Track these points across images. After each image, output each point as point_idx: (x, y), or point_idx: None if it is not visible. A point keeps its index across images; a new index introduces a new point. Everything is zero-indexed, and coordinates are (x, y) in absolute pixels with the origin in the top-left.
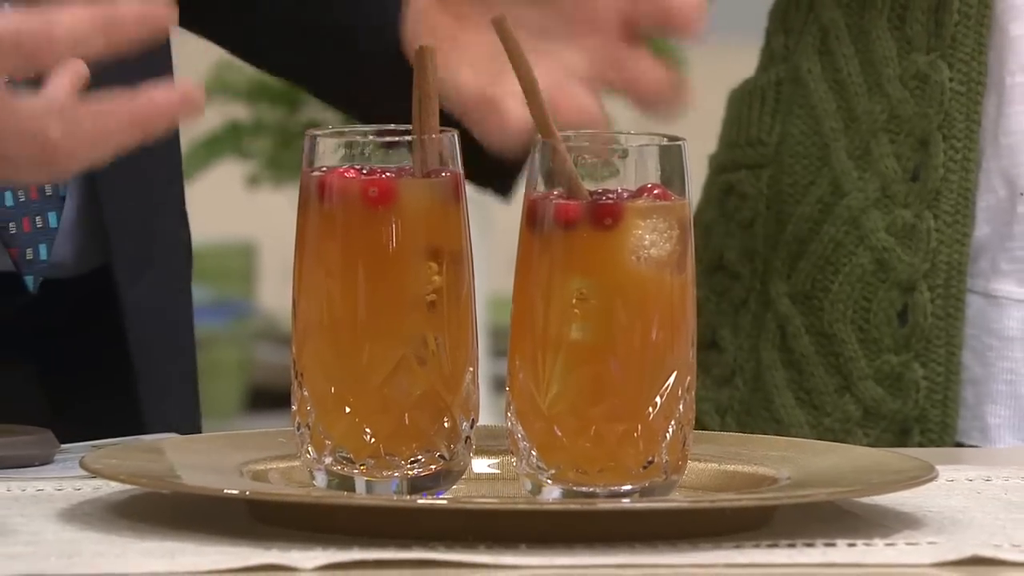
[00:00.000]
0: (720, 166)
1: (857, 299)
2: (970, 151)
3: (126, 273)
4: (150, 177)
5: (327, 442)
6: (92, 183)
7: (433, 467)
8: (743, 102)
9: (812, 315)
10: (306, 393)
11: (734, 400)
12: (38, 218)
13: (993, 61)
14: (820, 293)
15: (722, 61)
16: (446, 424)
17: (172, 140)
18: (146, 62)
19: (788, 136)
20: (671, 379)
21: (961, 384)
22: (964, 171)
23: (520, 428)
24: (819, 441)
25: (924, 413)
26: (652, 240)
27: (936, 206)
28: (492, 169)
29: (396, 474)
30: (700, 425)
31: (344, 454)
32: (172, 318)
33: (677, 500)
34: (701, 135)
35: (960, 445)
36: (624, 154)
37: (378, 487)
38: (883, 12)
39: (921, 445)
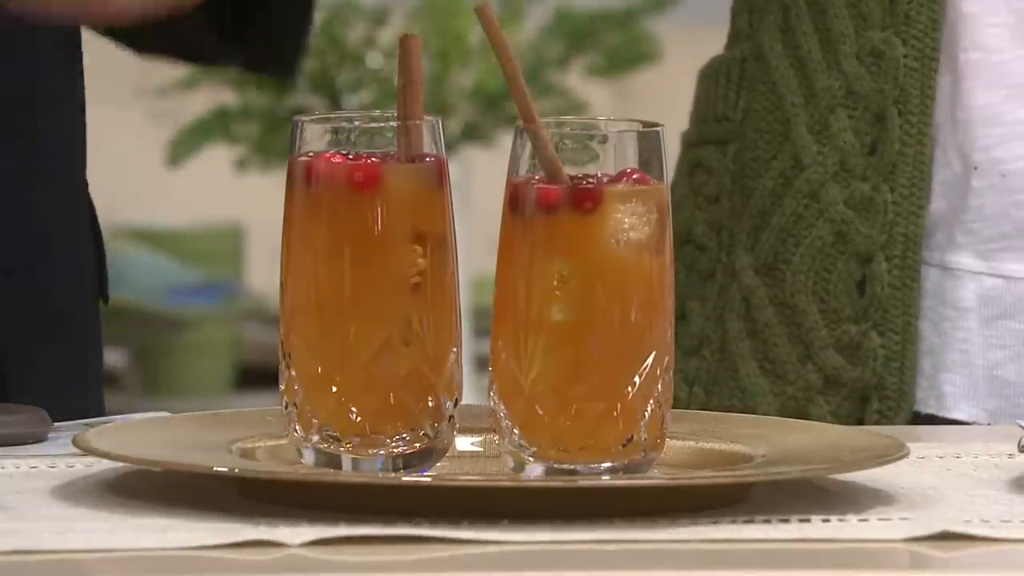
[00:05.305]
0: (689, 142)
1: (817, 270)
2: (925, 126)
3: None
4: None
5: (314, 420)
6: None
7: (417, 445)
8: (710, 79)
9: (775, 286)
10: (293, 373)
11: (701, 370)
12: None
13: (946, 38)
14: (782, 265)
15: (701, 45)
16: (430, 403)
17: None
18: None
19: (751, 112)
20: (650, 359)
21: (918, 353)
22: (919, 145)
23: (503, 407)
24: (793, 419)
25: (882, 381)
26: (631, 223)
27: (892, 179)
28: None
29: (381, 452)
30: None
31: (331, 432)
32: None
33: (656, 477)
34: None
35: (917, 413)
36: (604, 139)
37: (364, 464)
38: None
39: (880, 412)
